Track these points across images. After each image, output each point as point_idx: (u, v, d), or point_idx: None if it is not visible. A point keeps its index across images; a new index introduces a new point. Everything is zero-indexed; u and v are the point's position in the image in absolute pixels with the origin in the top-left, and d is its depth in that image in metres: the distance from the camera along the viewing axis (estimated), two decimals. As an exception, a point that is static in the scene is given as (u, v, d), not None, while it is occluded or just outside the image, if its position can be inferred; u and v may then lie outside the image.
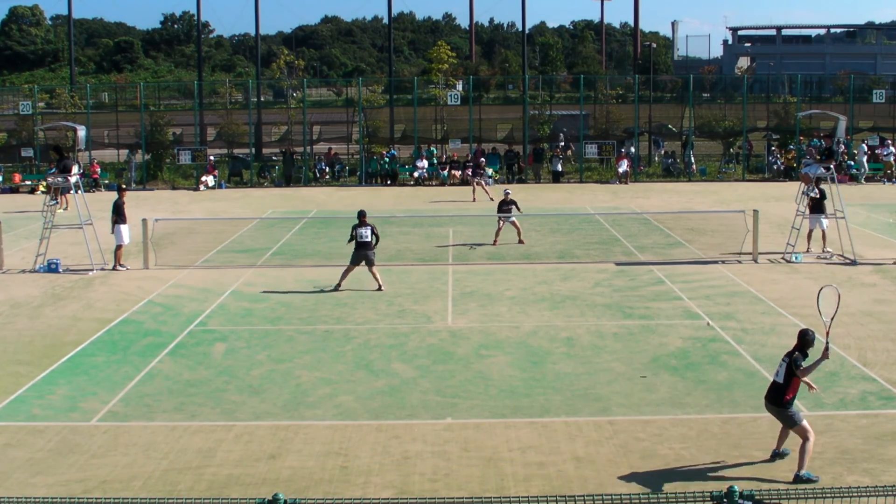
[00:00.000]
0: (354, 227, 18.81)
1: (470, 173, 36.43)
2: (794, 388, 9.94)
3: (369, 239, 18.69)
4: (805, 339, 10.02)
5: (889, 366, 13.44)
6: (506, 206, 24.27)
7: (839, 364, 13.53)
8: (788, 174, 38.76)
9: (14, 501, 6.92)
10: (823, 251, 21.86)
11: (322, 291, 18.87)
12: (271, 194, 37.03)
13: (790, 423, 9.92)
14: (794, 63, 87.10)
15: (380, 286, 18.69)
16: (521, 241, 24.07)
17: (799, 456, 9.66)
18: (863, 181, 37.91)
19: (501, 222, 24.30)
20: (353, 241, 18.77)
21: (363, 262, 18.70)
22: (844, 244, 21.69)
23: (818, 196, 22.12)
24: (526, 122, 42.38)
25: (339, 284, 18.79)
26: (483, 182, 34.65)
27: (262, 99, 51.86)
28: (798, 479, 9.51)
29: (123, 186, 24.83)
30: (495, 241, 24.06)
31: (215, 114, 46.13)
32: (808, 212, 22.01)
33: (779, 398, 9.95)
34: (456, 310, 17.18)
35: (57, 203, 23.32)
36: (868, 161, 38.95)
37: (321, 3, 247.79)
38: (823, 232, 22.12)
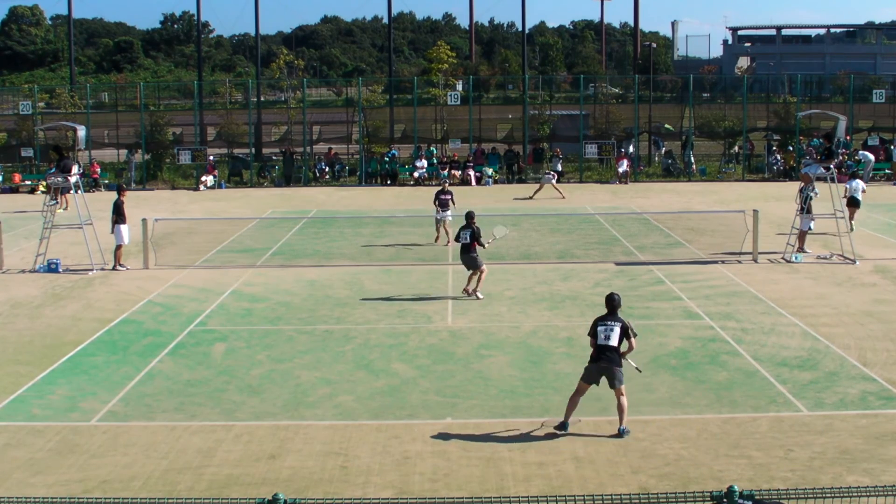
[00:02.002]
0: (461, 229, 18.28)
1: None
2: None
3: (468, 241, 18.04)
4: (612, 302, 11.10)
5: (889, 366, 13.44)
6: (444, 195, 24.24)
7: (839, 364, 13.55)
8: (788, 174, 38.78)
9: (14, 501, 6.93)
10: (802, 250, 21.83)
11: (393, 298, 18.86)
12: (271, 194, 37.04)
13: (621, 381, 10.94)
14: (794, 63, 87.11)
15: (470, 290, 17.92)
16: (448, 243, 23.40)
17: (623, 414, 10.89)
18: (867, 181, 37.92)
19: (440, 224, 24.23)
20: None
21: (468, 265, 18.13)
22: (844, 244, 21.70)
23: (817, 196, 22.16)
24: (526, 122, 42.39)
25: (468, 290, 18.07)
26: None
27: (262, 99, 51.86)
28: (621, 434, 10.76)
29: (123, 186, 24.84)
30: (437, 238, 24.35)
31: (215, 114, 46.18)
32: (802, 212, 21.91)
33: (619, 359, 10.98)
34: (456, 310, 17.17)
35: (57, 203, 23.33)
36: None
37: (321, 3, 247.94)
38: (805, 232, 22.07)
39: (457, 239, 18.49)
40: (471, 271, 18.12)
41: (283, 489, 9.24)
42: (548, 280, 19.66)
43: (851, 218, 24.20)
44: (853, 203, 25.14)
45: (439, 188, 25.26)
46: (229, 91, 52.08)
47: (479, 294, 17.90)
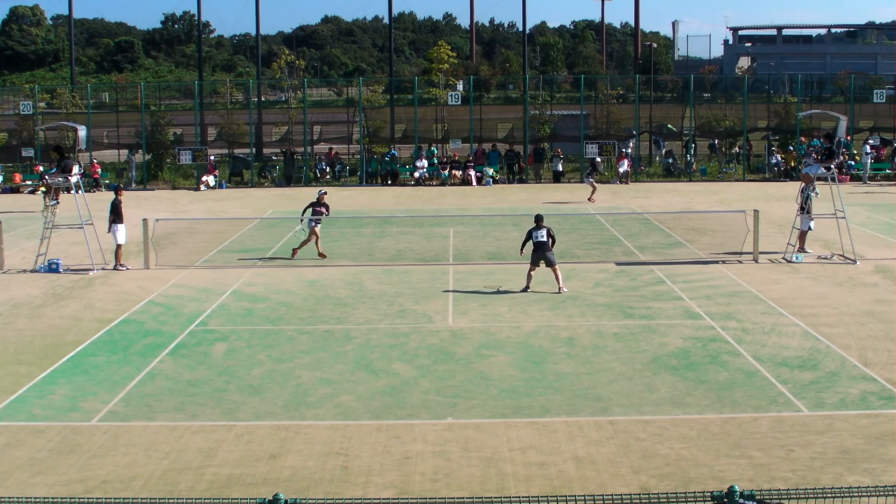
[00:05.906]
0: (531, 231, 18.80)
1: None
2: None
3: (545, 239, 18.60)
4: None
5: (890, 366, 13.43)
6: (319, 206, 22.30)
7: (840, 364, 13.54)
8: (789, 174, 38.77)
9: (14, 501, 6.92)
10: (802, 250, 21.82)
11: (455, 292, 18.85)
12: (272, 194, 37.04)
13: None
14: (795, 63, 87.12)
15: (560, 288, 18.43)
16: (321, 255, 22.23)
17: None
18: (867, 181, 37.97)
19: (316, 227, 22.26)
20: (530, 243, 18.74)
21: (542, 263, 18.60)
22: (845, 244, 21.69)
23: (818, 196, 22.16)
24: (526, 122, 42.37)
25: (526, 286, 18.59)
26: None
27: (263, 99, 51.84)
28: None
29: (121, 186, 24.85)
30: (295, 253, 22.43)
31: (216, 114, 46.15)
32: (803, 212, 21.88)
33: None
34: (456, 310, 17.17)
35: (58, 203, 23.33)
36: (871, 161, 38.95)
37: (322, 3, 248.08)
38: (806, 232, 22.05)
39: (528, 239, 18.83)
40: (546, 267, 18.64)
41: (283, 489, 9.24)
42: (548, 280, 19.63)
43: None
44: None
45: (315, 200, 22.62)
46: (230, 91, 51.97)
47: (564, 288, 18.49)
